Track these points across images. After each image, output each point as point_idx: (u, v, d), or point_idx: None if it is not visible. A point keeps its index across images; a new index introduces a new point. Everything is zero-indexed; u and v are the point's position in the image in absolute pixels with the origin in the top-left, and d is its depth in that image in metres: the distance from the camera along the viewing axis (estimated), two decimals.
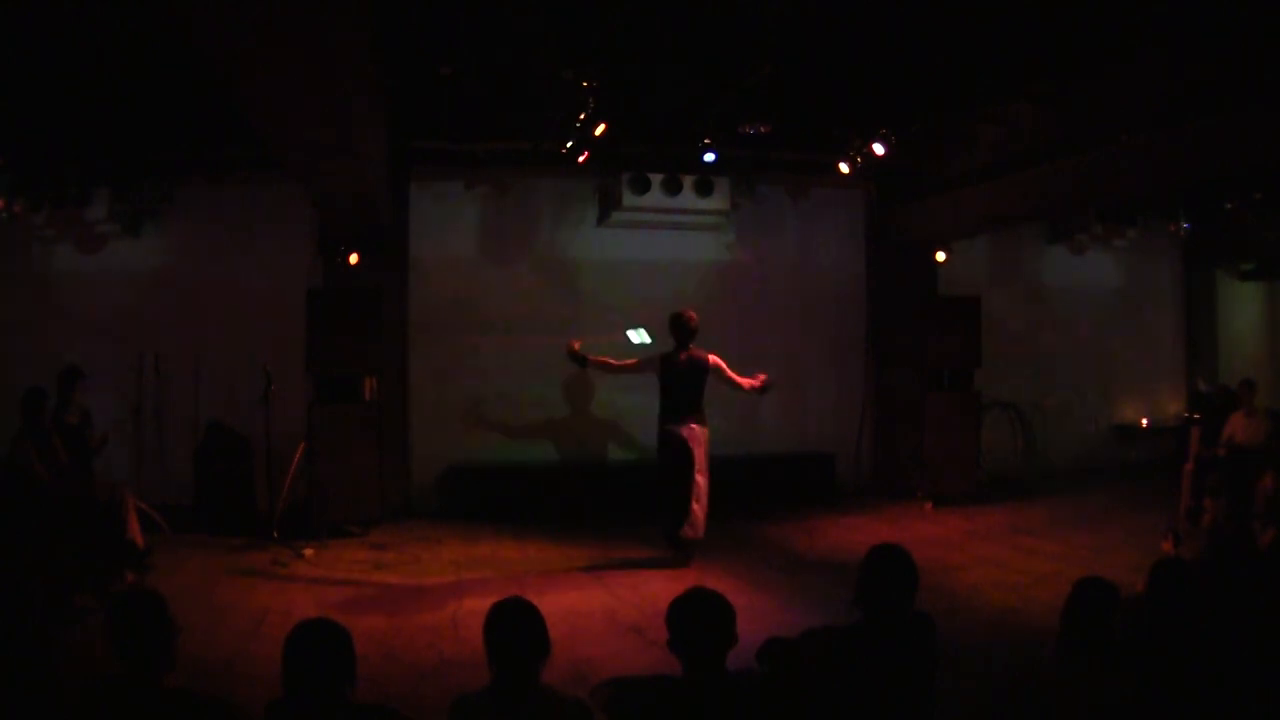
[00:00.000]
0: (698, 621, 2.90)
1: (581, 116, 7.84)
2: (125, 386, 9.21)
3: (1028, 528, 8.85)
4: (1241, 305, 13.49)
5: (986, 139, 8.78)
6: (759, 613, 5.91)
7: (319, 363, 8.62)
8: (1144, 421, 12.29)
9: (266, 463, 8.45)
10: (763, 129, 8.74)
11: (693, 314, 7.78)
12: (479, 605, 2.99)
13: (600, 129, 7.96)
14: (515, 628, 2.81)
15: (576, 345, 7.99)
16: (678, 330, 7.73)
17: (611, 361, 8.04)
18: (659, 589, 6.57)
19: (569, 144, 8.38)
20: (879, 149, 8.48)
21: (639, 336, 8.35)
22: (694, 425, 7.57)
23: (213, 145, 8.92)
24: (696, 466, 7.51)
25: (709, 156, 9.21)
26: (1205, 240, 12.17)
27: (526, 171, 9.71)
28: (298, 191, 8.41)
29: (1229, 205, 10.46)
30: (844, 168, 9.01)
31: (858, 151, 8.72)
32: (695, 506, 7.50)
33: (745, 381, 7.77)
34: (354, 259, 9.14)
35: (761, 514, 9.35)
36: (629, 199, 9.48)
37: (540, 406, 10.06)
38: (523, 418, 10.02)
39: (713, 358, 7.70)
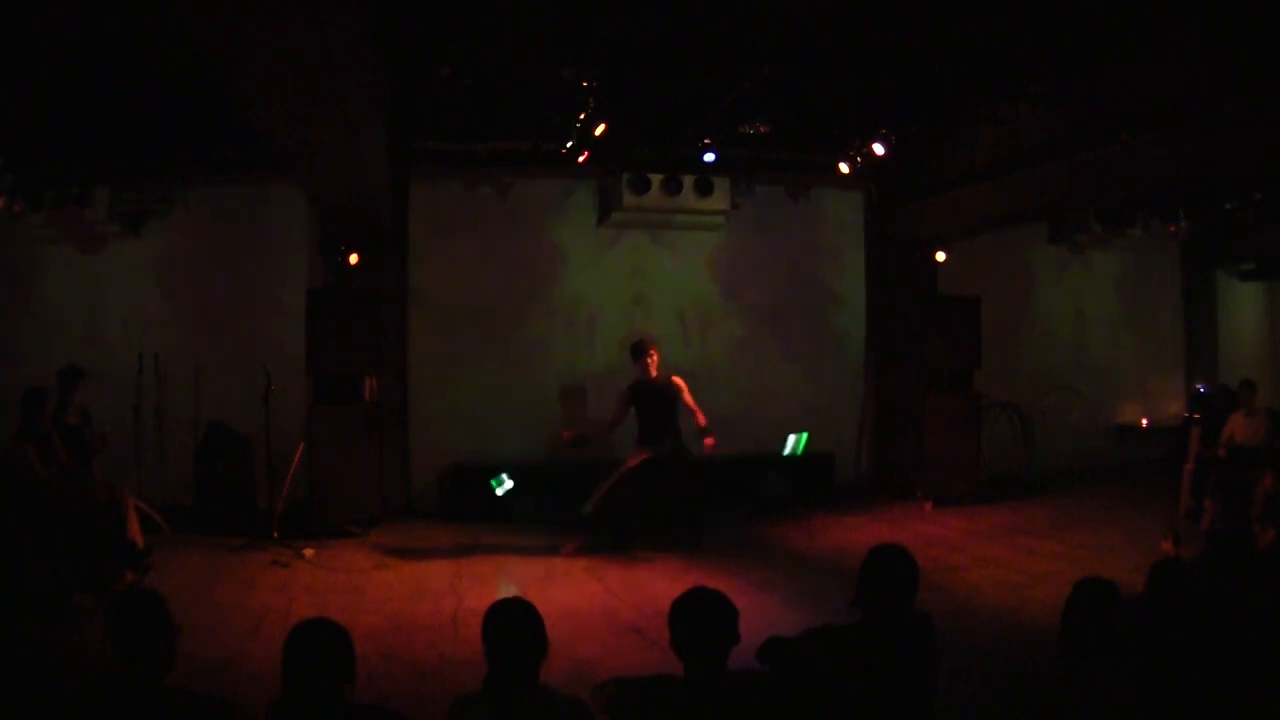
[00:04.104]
0: (699, 621, 2.90)
1: (581, 116, 7.85)
2: (125, 386, 9.21)
3: (1028, 528, 8.85)
4: (1241, 305, 13.50)
5: (986, 139, 8.78)
6: (760, 613, 5.90)
7: (319, 363, 8.61)
8: (1144, 421, 12.29)
9: (266, 463, 8.45)
10: (763, 129, 8.75)
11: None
12: (479, 605, 2.99)
13: (600, 129, 7.96)
14: (514, 627, 2.81)
15: (568, 435, 8.42)
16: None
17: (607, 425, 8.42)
18: (659, 589, 6.57)
19: (569, 144, 8.38)
20: (879, 149, 8.48)
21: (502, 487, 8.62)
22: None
23: (213, 145, 8.92)
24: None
25: (709, 156, 9.22)
26: (1205, 240, 12.18)
27: (526, 171, 9.71)
28: (298, 191, 8.41)
29: (1229, 205, 10.46)
30: (844, 168, 9.00)
31: (858, 151, 8.71)
32: None
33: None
34: (354, 259, 9.14)
35: (761, 514, 9.35)
36: (629, 199, 9.49)
37: (540, 406, 10.05)
38: (523, 417, 10.01)
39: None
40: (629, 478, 7.88)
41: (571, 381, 10.01)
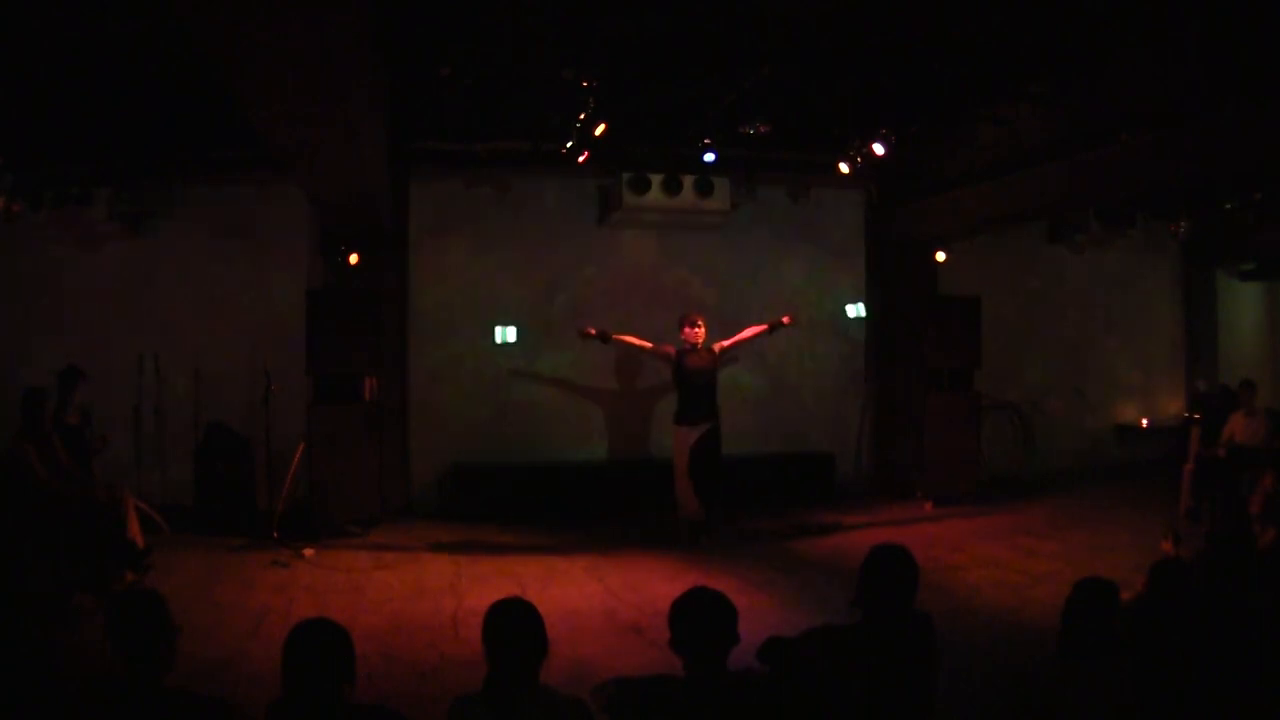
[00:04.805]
0: (699, 621, 2.90)
1: (581, 116, 7.85)
2: (125, 386, 9.21)
3: (1028, 528, 8.85)
4: (1241, 305, 13.50)
5: (986, 139, 8.78)
6: (760, 613, 5.91)
7: (319, 363, 8.61)
8: (1144, 421, 12.29)
9: (266, 463, 8.45)
10: (763, 129, 8.75)
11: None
12: (479, 605, 2.99)
13: (600, 129, 7.96)
14: (514, 628, 2.81)
15: (592, 330, 8.62)
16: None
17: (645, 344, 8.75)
18: (659, 589, 6.58)
19: (569, 144, 8.38)
20: (879, 149, 8.48)
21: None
22: None
23: (213, 145, 8.92)
24: None
25: (709, 156, 9.22)
26: (1205, 240, 12.17)
27: (526, 171, 9.71)
28: (298, 191, 8.42)
29: (1229, 205, 10.46)
30: (844, 168, 9.00)
31: (858, 151, 8.71)
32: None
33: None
34: (354, 259, 9.14)
35: (762, 514, 9.35)
36: (629, 199, 9.49)
37: (541, 406, 10.06)
38: (523, 417, 10.01)
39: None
40: (692, 468, 8.23)
41: (571, 381, 10.00)
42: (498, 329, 9.63)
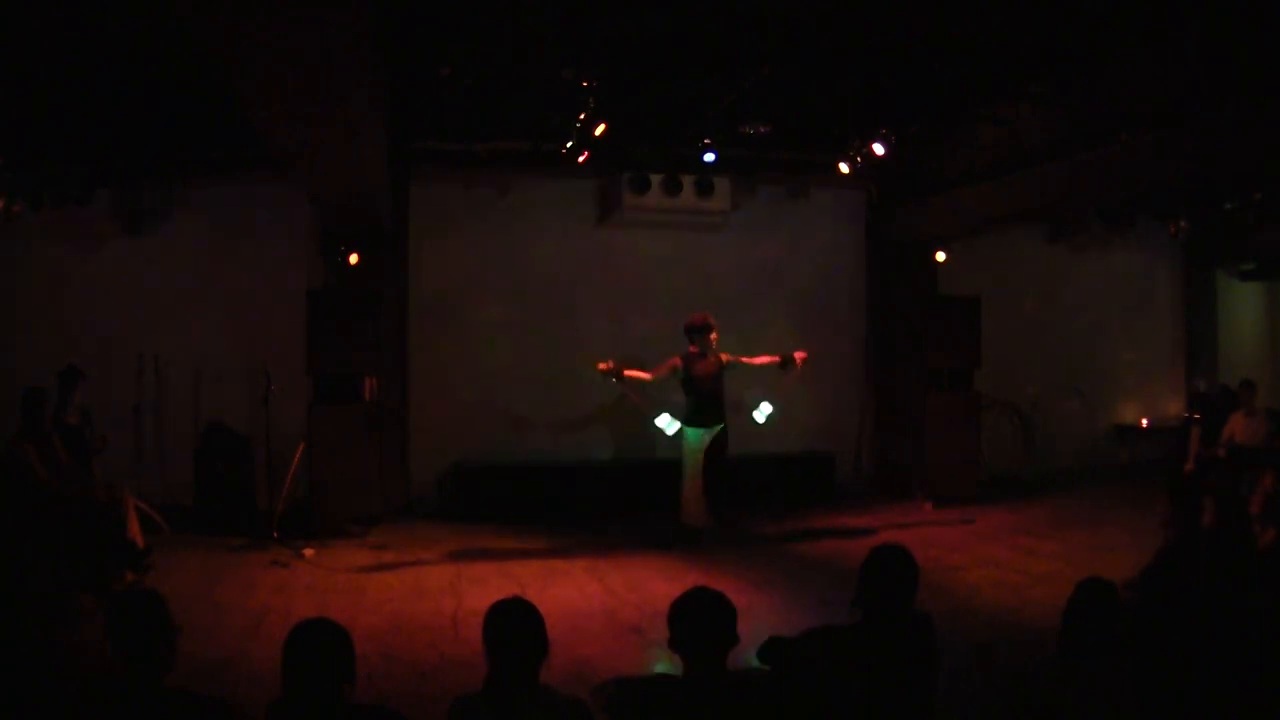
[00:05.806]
0: (699, 621, 2.90)
1: (581, 116, 7.85)
2: (125, 386, 9.21)
3: (1028, 528, 8.85)
4: (1241, 305, 13.51)
5: (986, 139, 8.78)
6: (759, 613, 5.92)
7: (319, 363, 8.62)
8: (1144, 421, 12.30)
9: (267, 463, 8.45)
10: (763, 129, 8.74)
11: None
12: (479, 605, 2.99)
13: (600, 129, 7.96)
14: (514, 627, 2.81)
15: (605, 365, 8.25)
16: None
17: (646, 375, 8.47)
18: (659, 589, 6.58)
19: (569, 144, 8.38)
20: (879, 149, 8.48)
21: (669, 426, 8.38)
22: None
23: (213, 145, 8.92)
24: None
25: (709, 156, 9.23)
26: (1205, 240, 12.18)
27: (526, 171, 9.71)
28: (298, 191, 8.42)
29: (1229, 205, 10.47)
30: (844, 168, 9.01)
31: (858, 151, 8.72)
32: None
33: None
34: (354, 259, 9.14)
35: (762, 514, 9.35)
36: (629, 199, 9.49)
37: (540, 406, 10.05)
38: (522, 417, 10.01)
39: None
40: (705, 471, 8.17)
41: (570, 381, 9.99)
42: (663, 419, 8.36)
